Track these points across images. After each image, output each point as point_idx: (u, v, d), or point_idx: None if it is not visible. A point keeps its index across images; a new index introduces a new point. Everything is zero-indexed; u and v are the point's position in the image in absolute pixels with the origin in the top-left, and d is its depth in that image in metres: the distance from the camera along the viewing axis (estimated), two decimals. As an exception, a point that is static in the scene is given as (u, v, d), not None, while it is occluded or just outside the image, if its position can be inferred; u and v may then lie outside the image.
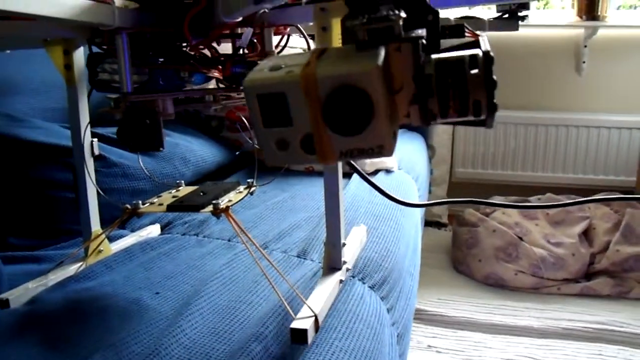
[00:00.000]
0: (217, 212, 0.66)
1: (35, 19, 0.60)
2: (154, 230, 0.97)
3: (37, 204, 0.93)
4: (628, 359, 1.48)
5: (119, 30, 0.64)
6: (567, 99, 2.39)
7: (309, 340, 0.59)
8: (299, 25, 0.73)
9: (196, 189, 0.77)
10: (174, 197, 0.75)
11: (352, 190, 1.18)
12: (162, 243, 0.90)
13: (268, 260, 0.67)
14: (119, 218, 0.75)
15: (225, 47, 0.73)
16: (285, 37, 0.76)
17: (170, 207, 0.70)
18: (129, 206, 0.71)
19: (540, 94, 2.38)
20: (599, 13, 2.18)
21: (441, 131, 2.40)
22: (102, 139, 1.01)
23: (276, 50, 0.75)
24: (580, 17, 2.22)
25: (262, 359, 0.60)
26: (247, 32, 0.68)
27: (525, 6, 0.86)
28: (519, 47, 2.33)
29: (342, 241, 0.73)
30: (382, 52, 0.36)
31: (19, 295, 0.71)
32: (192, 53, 0.70)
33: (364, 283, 0.85)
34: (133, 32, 0.66)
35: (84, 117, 0.79)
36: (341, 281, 0.71)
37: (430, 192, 2.29)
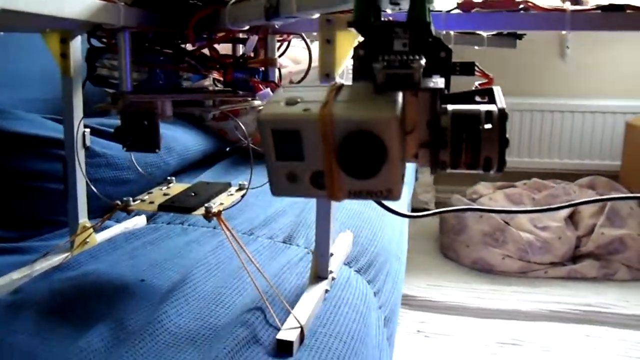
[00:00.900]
0: (209, 216, 0.67)
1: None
2: (140, 221, 0.97)
3: (19, 196, 0.92)
4: (614, 339, 1.49)
5: (122, 29, 0.63)
6: (552, 84, 2.40)
7: (294, 352, 0.60)
8: (302, 34, 0.74)
9: (187, 188, 0.77)
10: (164, 194, 0.74)
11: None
12: (147, 232, 0.90)
13: (257, 268, 0.67)
14: (106, 210, 0.75)
15: (224, 46, 0.73)
16: (286, 43, 0.76)
17: (162, 207, 0.70)
18: (119, 202, 0.71)
19: (524, 79, 2.39)
20: (582, -2, 2.19)
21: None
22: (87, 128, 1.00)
23: (277, 54, 0.75)
24: (563, 1, 2.23)
25: (248, 344, 0.60)
26: (252, 39, 0.68)
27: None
28: (503, 33, 2.33)
29: (330, 251, 0.73)
30: (400, 99, 0.36)
31: (3, 285, 0.70)
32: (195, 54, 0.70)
33: (350, 267, 0.85)
34: (135, 31, 0.65)
35: (78, 108, 0.78)
36: (327, 291, 0.72)
37: (416, 179, 2.30)
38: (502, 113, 0.37)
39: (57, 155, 0.94)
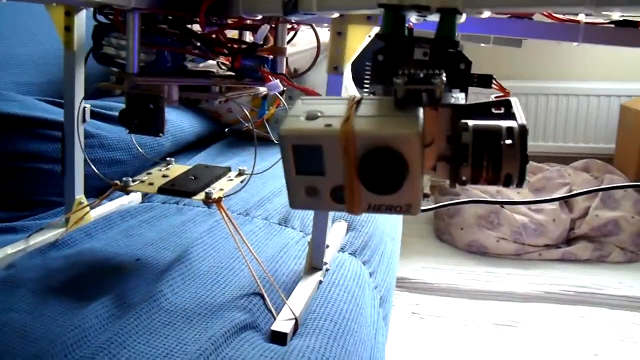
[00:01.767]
0: (209, 202, 0.66)
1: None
2: (135, 199, 0.97)
3: (12, 176, 0.92)
4: (607, 319, 1.51)
5: (132, 9, 0.62)
6: (547, 67, 2.40)
7: (288, 342, 0.60)
8: (313, 25, 0.73)
9: (187, 170, 0.77)
10: (164, 176, 0.74)
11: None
12: (143, 211, 0.90)
13: (253, 254, 0.67)
14: (102, 190, 0.74)
15: (231, 31, 0.72)
16: (294, 32, 0.75)
17: (162, 190, 0.70)
18: (118, 182, 0.70)
19: (519, 63, 2.38)
20: (578, -20, 2.18)
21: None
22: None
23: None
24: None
25: (244, 328, 0.60)
26: (264, 28, 0.67)
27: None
28: (498, 15, 2.32)
29: (326, 243, 0.73)
30: (421, 114, 0.36)
31: (-3, 259, 0.70)
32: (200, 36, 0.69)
33: (344, 250, 0.85)
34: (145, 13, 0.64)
35: (80, 83, 0.77)
36: (320, 282, 0.72)
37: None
38: (523, 129, 0.37)
39: (50, 136, 0.94)
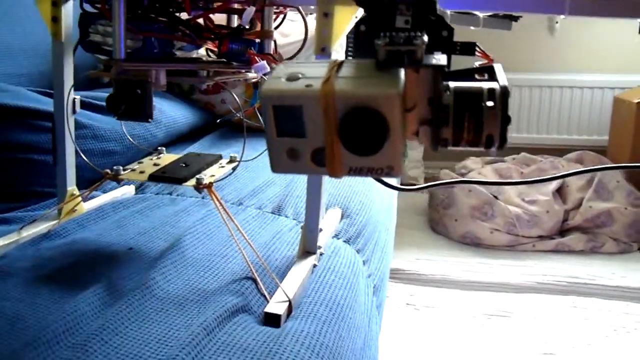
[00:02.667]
0: (199, 188, 0.66)
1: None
2: (128, 191, 0.96)
3: (4, 167, 0.91)
4: (600, 309, 1.51)
5: None
6: (540, 59, 2.40)
7: (282, 324, 0.60)
8: (299, 7, 0.72)
9: (178, 158, 0.76)
10: (155, 164, 0.74)
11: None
12: (135, 202, 0.89)
13: (246, 239, 0.67)
14: (95, 180, 0.74)
15: (218, 16, 0.72)
16: (281, 16, 0.75)
17: (152, 177, 0.70)
18: (109, 171, 0.70)
19: (513, 54, 2.38)
20: (572, -28, 2.18)
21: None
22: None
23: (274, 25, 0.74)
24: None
25: (237, 312, 0.60)
26: (249, 10, 0.67)
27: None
28: (492, 7, 2.32)
29: (320, 227, 0.73)
30: (403, 76, 0.36)
31: (-11, 251, 0.70)
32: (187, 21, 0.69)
33: (338, 238, 0.85)
34: None
35: (69, 74, 0.76)
36: (314, 265, 0.72)
37: (406, 155, 2.30)
38: (504, 90, 0.37)
39: (42, 127, 0.93)
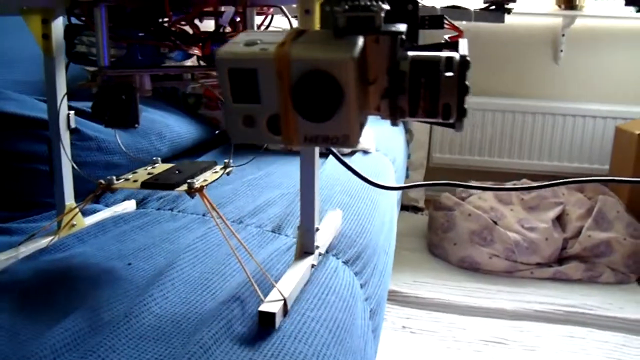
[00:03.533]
0: (191, 192, 0.66)
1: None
2: (129, 206, 0.97)
3: (7, 176, 0.92)
4: (596, 340, 1.51)
5: (97, 3, 0.63)
6: (544, 87, 2.42)
7: (277, 324, 0.60)
8: (282, 7, 0.73)
9: (172, 166, 0.77)
10: (149, 174, 0.74)
11: (329, 169, 1.18)
12: (136, 217, 0.90)
13: (237, 238, 0.66)
14: (92, 192, 0.74)
15: (208, 25, 0.73)
16: (269, 17, 0.75)
17: (145, 185, 0.70)
18: (102, 181, 0.70)
19: (517, 81, 2.40)
20: (577, 3, 2.21)
21: (420, 116, 2.41)
22: (78, 112, 0.99)
23: (262, 29, 0.74)
24: (559, 6, 2.24)
25: (233, 327, 0.60)
26: (229, 11, 0.68)
27: (513, -2, 0.86)
28: (497, 34, 2.34)
29: (316, 226, 0.73)
30: (360, 42, 0.36)
31: (-11, 266, 0.70)
32: (173, 29, 0.69)
33: (337, 258, 0.85)
34: (112, 5, 0.65)
35: (61, 89, 0.77)
36: (313, 266, 0.72)
37: (407, 176, 2.31)
38: (463, 60, 0.37)
39: (47, 137, 0.94)
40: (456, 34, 0.50)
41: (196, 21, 0.70)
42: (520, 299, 1.70)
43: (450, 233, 1.93)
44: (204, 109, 1.46)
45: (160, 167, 0.77)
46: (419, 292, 1.71)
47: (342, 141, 0.37)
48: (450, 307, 1.65)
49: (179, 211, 0.95)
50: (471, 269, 1.89)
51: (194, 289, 0.67)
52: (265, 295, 0.65)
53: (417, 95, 0.37)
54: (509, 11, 0.83)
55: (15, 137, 0.93)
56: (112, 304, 0.62)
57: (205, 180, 0.69)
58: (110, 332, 0.56)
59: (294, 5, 0.66)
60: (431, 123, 0.40)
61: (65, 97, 0.78)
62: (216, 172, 0.75)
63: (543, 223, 1.90)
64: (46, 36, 0.74)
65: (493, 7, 0.81)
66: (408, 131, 2.36)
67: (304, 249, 0.73)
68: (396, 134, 1.91)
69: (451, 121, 0.38)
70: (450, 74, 0.36)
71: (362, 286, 0.84)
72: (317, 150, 0.72)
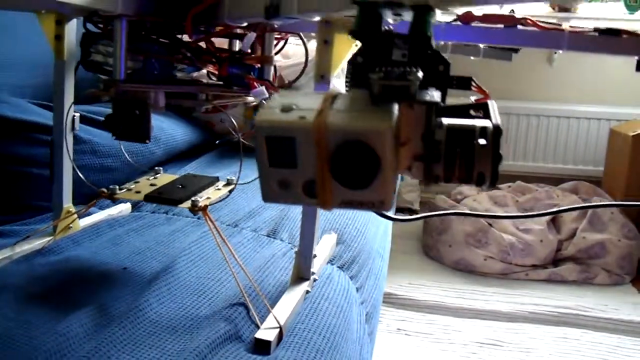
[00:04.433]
0: (195, 210, 0.66)
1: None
2: (124, 209, 0.96)
3: (1, 180, 0.91)
4: (591, 341, 1.51)
5: (119, 16, 0.63)
6: (539, 89, 2.42)
7: (272, 351, 0.60)
8: (300, 34, 0.73)
9: (175, 179, 0.77)
10: (151, 184, 0.74)
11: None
12: (131, 220, 0.89)
13: (240, 265, 0.67)
14: (91, 197, 0.74)
15: (219, 39, 0.73)
16: (283, 41, 0.76)
17: (148, 198, 0.70)
18: (105, 190, 0.70)
19: (512, 83, 2.40)
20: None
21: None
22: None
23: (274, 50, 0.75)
24: (553, 8, 2.25)
25: (229, 339, 0.60)
26: (250, 36, 0.68)
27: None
28: (492, 36, 2.34)
29: (314, 252, 0.73)
30: (396, 111, 0.36)
31: (-18, 267, 0.69)
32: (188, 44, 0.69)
33: (332, 264, 0.85)
34: (133, 20, 0.65)
35: (69, 92, 0.77)
36: (307, 292, 0.72)
37: (402, 179, 2.31)
38: (497, 129, 0.37)
39: (41, 140, 0.93)
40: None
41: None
42: (515, 301, 1.70)
43: (445, 235, 1.93)
44: (198, 112, 1.46)
45: (163, 179, 0.77)
46: (414, 295, 1.71)
47: (377, 206, 0.37)
48: (445, 309, 1.65)
49: (173, 214, 0.95)
50: (466, 271, 1.89)
51: (190, 295, 0.67)
52: (260, 310, 0.65)
53: (453, 164, 0.37)
54: (516, 50, 0.83)
55: (9, 140, 0.93)
56: (107, 309, 0.61)
57: (208, 198, 0.69)
58: (105, 339, 0.55)
59: (313, 34, 0.67)
60: None
61: (73, 102, 0.77)
62: (219, 189, 0.75)
63: (538, 225, 1.90)
64: (59, 37, 0.74)
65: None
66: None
67: (300, 274, 0.74)
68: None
69: (483, 188, 0.39)
70: (483, 141, 0.37)
71: (357, 290, 0.84)
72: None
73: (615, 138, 2.20)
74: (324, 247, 0.85)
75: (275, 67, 0.74)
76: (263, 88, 0.67)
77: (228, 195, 0.75)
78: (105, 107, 1.15)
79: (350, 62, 0.44)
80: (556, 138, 2.40)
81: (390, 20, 0.48)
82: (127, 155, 0.92)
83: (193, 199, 0.67)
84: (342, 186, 0.36)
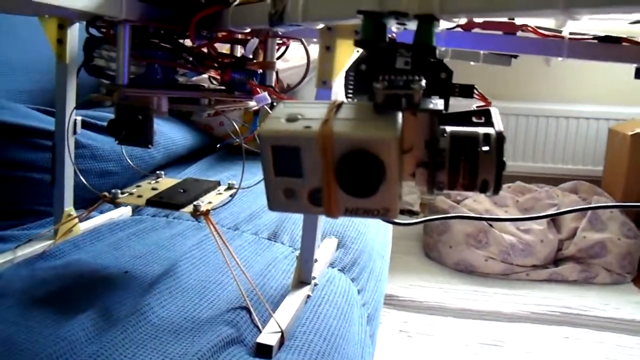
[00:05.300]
0: (196, 215, 0.66)
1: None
2: (125, 212, 0.96)
3: (1, 185, 0.91)
4: (593, 341, 1.51)
5: (123, 22, 0.63)
6: (537, 89, 2.42)
7: (274, 355, 0.60)
8: (302, 40, 0.73)
9: (176, 184, 0.77)
10: (153, 189, 0.74)
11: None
12: (132, 224, 0.89)
13: (241, 268, 0.67)
14: (91, 202, 0.74)
15: (223, 45, 0.73)
16: (284, 47, 0.76)
17: (150, 202, 0.70)
18: (107, 194, 0.70)
19: (510, 84, 2.41)
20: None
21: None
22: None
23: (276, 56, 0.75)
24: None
25: (231, 343, 0.60)
26: (253, 42, 0.68)
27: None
28: (490, 36, 2.35)
29: (315, 257, 0.73)
30: (400, 119, 0.36)
31: (-16, 271, 0.69)
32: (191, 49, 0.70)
33: (333, 267, 0.86)
34: (137, 25, 0.65)
35: (71, 96, 0.77)
36: (308, 296, 0.72)
37: (402, 180, 2.31)
38: (500, 136, 0.37)
39: (41, 145, 0.93)
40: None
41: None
42: (516, 301, 1.70)
43: (446, 236, 1.93)
44: (196, 115, 1.46)
45: (164, 183, 0.77)
46: (414, 296, 1.71)
47: (382, 213, 0.38)
48: (446, 310, 1.65)
49: (174, 218, 0.95)
50: (467, 271, 1.89)
51: (191, 298, 0.67)
52: (262, 313, 0.65)
53: (457, 171, 0.38)
54: (516, 56, 0.84)
55: (8, 145, 0.93)
56: (109, 313, 0.61)
57: (210, 203, 0.70)
58: (107, 342, 0.55)
59: (315, 40, 0.67)
60: None
61: (74, 104, 0.77)
62: (220, 193, 0.75)
63: (538, 225, 1.90)
64: (60, 41, 0.74)
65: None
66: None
67: (301, 278, 0.74)
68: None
69: (487, 194, 0.39)
70: (487, 149, 0.37)
71: (358, 292, 0.84)
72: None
73: (614, 138, 2.20)
74: (324, 251, 0.86)
75: (277, 72, 0.74)
76: (265, 94, 0.67)
77: (229, 200, 0.75)
78: (105, 111, 1.15)
79: (353, 70, 0.44)
80: (555, 138, 2.40)
81: (394, 29, 0.48)
82: (129, 160, 0.92)
83: (195, 203, 0.67)
84: (347, 195, 0.36)
